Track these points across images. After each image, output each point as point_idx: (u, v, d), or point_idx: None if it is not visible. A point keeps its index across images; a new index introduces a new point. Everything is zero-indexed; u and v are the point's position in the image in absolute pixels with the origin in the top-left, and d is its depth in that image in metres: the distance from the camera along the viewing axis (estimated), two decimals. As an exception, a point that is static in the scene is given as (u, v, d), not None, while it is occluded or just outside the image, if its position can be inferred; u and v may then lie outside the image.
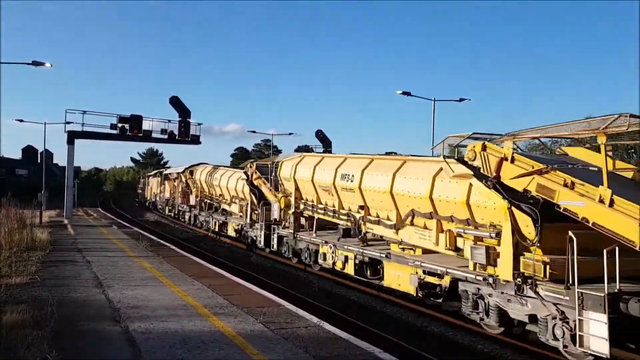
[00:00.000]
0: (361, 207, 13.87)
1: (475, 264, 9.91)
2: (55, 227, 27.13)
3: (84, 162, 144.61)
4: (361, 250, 13.86)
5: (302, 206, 17.64)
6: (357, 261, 14.16)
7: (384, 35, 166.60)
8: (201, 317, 9.20)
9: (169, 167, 57.68)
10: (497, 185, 9.34)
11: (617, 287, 7.47)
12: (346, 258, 14.65)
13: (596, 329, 7.57)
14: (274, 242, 19.54)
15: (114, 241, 22.01)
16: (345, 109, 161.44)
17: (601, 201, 7.67)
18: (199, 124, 35.10)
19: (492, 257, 9.55)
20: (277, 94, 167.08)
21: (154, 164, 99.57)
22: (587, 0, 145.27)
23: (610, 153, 10.03)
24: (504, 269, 9.22)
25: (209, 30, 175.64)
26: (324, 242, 15.98)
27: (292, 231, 18.01)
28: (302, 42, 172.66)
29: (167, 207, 43.80)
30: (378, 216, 13.40)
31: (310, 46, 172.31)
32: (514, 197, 9.08)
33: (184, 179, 35.78)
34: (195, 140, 34.66)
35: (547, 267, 8.48)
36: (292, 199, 17.85)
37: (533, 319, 9.06)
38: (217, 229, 28.66)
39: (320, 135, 42.24)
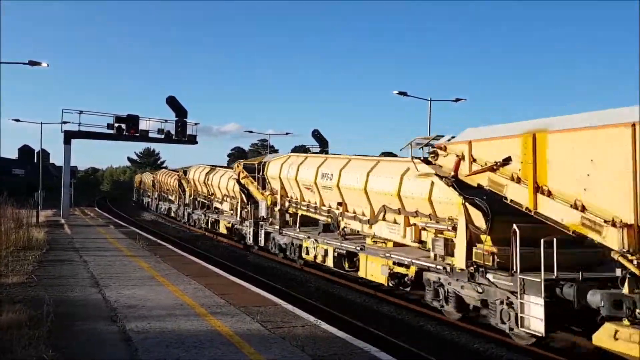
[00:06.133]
0: (339, 204, 14.74)
1: (435, 254, 10.85)
2: (52, 227, 27.06)
3: (81, 162, 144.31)
4: (339, 244, 14.66)
5: (287, 203, 18.20)
6: (335, 254, 14.99)
7: (382, 35, 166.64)
8: (198, 316, 9.20)
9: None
10: (454, 182, 9.96)
11: (555, 274, 8.23)
12: (326, 251, 15.39)
13: (534, 311, 8.41)
14: (261, 238, 20.10)
15: (111, 240, 21.97)
16: (342, 109, 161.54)
17: (542, 192, 8.01)
18: (196, 124, 34.99)
19: (449, 248, 10.52)
20: (276, 94, 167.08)
21: (151, 164, 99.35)
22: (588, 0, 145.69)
23: None
24: (459, 259, 10.10)
25: (208, 31, 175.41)
26: (306, 237, 16.66)
27: (277, 227, 18.60)
28: (300, 42, 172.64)
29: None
30: (354, 212, 14.23)
31: (309, 46, 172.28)
32: (469, 193, 9.71)
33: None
34: (192, 140, 34.56)
35: (495, 256, 9.36)
36: (278, 197, 18.47)
37: (485, 303, 9.88)
38: (209, 227, 29.24)
39: (316, 135, 42.28)
